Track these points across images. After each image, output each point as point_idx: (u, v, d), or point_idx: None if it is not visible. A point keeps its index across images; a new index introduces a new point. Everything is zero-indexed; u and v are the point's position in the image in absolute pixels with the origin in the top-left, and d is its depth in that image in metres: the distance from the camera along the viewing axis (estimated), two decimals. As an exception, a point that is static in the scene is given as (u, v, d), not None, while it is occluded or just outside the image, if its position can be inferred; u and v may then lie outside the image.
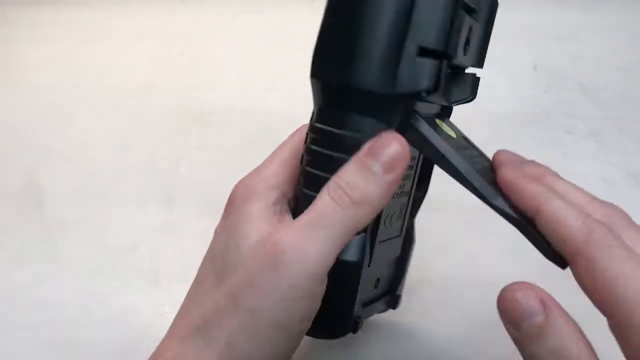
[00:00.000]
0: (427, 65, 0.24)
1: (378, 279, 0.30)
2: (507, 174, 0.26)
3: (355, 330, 0.29)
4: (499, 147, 0.50)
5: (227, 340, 0.25)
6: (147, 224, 0.44)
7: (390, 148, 0.25)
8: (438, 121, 0.27)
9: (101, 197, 0.46)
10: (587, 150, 0.51)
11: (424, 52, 0.24)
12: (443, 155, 0.25)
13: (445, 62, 0.24)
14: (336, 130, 0.26)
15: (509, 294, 0.22)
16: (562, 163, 0.50)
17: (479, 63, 0.29)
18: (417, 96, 0.24)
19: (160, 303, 0.40)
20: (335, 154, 0.26)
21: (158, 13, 0.59)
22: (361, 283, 0.27)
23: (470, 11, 0.26)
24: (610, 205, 0.25)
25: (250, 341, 0.24)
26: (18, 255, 0.43)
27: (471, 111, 0.54)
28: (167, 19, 0.59)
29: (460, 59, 0.25)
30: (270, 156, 0.30)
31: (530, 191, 0.24)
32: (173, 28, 0.58)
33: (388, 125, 0.25)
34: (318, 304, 0.26)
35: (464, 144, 0.28)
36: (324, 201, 0.25)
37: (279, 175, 0.28)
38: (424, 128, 0.26)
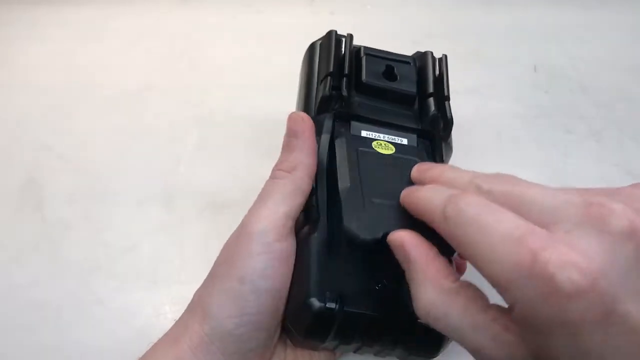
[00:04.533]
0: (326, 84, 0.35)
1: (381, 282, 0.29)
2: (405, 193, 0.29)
3: (327, 325, 0.28)
4: (499, 148, 0.51)
5: (202, 302, 0.29)
6: (146, 224, 0.44)
7: (290, 120, 0.33)
8: (376, 142, 0.33)
9: (101, 197, 0.46)
10: (587, 150, 0.51)
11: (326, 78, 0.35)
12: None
13: (344, 80, 0.35)
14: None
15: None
16: (562, 163, 0.50)
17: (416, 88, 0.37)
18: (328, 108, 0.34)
19: (160, 303, 0.40)
20: None
21: (158, 13, 0.59)
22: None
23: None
24: (496, 175, 0.25)
25: (219, 296, 0.29)
26: (18, 255, 0.43)
27: (472, 111, 0.54)
28: (167, 19, 0.59)
29: (374, 81, 0.36)
30: None
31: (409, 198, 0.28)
32: (173, 28, 0.58)
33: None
34: (277, 262, 0.29)
35: (390, 162, 0.32)
36: (266, 184, 0.32)
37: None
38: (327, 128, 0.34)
